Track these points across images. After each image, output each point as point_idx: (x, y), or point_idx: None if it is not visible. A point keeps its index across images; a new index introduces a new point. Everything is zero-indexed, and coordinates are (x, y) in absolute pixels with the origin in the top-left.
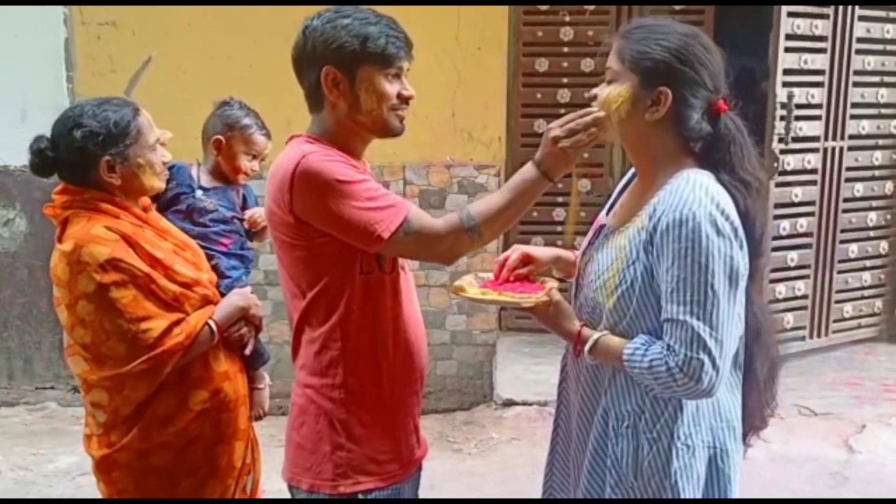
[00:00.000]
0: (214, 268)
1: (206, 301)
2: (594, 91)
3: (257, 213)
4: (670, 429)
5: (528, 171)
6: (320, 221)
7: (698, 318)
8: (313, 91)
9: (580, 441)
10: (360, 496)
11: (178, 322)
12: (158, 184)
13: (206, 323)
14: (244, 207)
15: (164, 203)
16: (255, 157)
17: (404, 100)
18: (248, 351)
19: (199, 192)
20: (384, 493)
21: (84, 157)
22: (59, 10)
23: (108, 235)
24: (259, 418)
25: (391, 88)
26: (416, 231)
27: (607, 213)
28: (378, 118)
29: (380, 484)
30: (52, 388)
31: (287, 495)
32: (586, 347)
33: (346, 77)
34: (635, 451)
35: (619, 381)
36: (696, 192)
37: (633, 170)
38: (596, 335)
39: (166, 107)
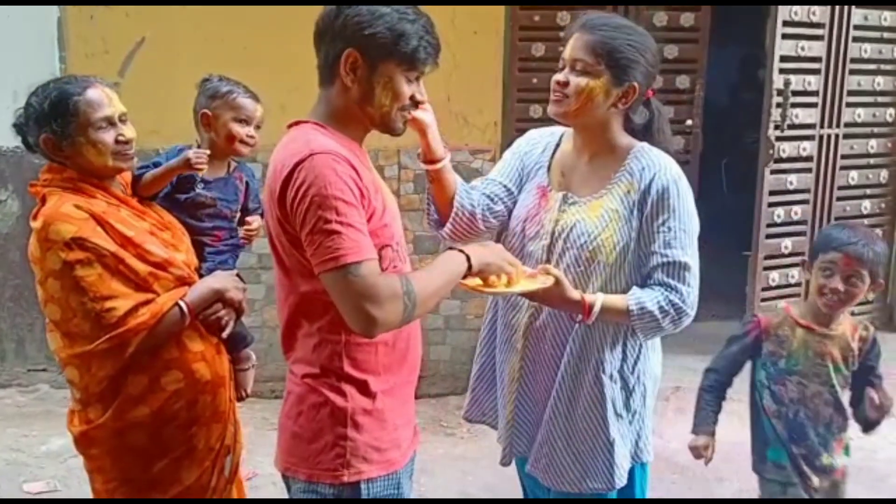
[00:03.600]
0: (199, 252)
1: (182, 282)
2: (560, 77)
3: (256, 226)
4: (644, 367)
5: (459, 264)
6: (298, 222)
7: (692, 258)
8: (329, 65)
9: (566, 393)
10: (363, 484)
11: (145, 302)
12: (111, 163)
13: (176, 304)
14: (247, 195)
15: (173, 187)
16: (245, 122)
17: (415, 103)
18: (224, 334)
19: (199, 187)
20: (384, 481)
21: (31, 133)
22: None
23: (76, 213)
24: (241, 399)
25: (407, 90)
26: (361, 276)
27: (548, 177)
28: (385, 116)
29: (381, 472)
30: (44, 370)
31: (280, 481)
32: (596, 309)
33: (366, 65)
34: (624, 388)
35: (609, 338)
36: (666, 159)
37: (548, 139)
38: (599, 298)
39: (159, 89)
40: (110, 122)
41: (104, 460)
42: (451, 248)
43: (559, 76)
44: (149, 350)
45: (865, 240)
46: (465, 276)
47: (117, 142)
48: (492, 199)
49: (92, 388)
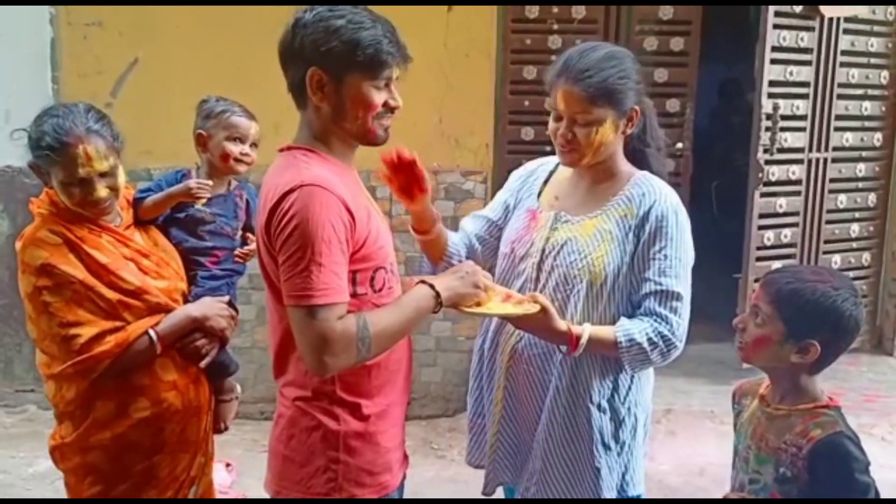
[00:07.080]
0: (192, 277)
1: (158, 309)
2: (566, 132)
3: (254, 246)
4: (636, 398)
5: (428, 300)
6: (277, 248)
7: (684, 289)
8: (298, 89)
9: (559, 425)
10: None
11: (113, 330)
12: (80, 210)
13: (146, 332)
14: (249, 213)
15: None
16: (240, 140)
17: (390, 109)
18: (202, 364)
19: (198, 203)
20: None
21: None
22: (44, 10)
23: (49, 239)
24: (218, 431)
25: (378, 97)
26: (322, 320)
27: (538, 201)
28: (362, 127)
29: (373, 495)
30: (32, 390)
31: None
32: (583, 341)
33: (332, 81)
34: (613, 419)
35: (598, 367)
36: (667, 189)
37: (540, 167)
38: (587, 329)
39: (153, 109)
40: (82, 181)
41: (70, 477)
42: (422, 282)
43: (563, 131)
44: (118, 376)
45: (795, 278)
46: (436, 310)
47: (84, 199)
48: (480, 240)
49: (62, 406)
